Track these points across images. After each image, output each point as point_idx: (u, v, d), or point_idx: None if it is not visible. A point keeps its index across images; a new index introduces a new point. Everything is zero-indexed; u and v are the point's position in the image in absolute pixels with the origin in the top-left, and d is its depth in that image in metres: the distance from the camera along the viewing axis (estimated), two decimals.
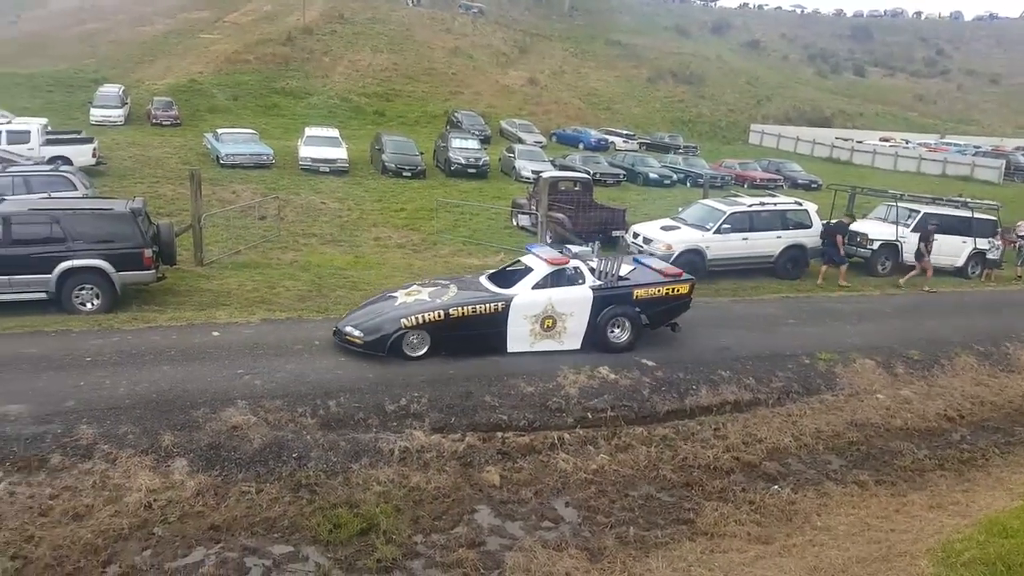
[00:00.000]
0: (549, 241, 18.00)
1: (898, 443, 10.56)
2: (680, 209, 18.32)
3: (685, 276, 12.00)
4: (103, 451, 8.03)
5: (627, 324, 11.39)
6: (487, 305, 10.67)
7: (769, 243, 17.00)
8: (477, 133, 36.68)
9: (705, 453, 9.61)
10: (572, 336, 11.15)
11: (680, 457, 9.50)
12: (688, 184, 32.47)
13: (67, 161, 21.67)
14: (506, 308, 10.70)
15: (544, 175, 20.98)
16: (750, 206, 17.21)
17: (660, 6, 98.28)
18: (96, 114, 33.42)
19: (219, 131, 28.99)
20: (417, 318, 10.40)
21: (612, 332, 11.34)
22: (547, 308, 10.93)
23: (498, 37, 64.62)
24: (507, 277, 11.53)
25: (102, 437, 8.18)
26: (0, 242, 11.47)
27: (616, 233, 18.90)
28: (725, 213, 16.67)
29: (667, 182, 32.25)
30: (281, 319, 11.97)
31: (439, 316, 10.44)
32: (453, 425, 9.40)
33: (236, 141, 27.73)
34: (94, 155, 23.64)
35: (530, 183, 25.38)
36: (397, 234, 19.56)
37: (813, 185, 35.00)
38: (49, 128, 25.42)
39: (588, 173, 26.75)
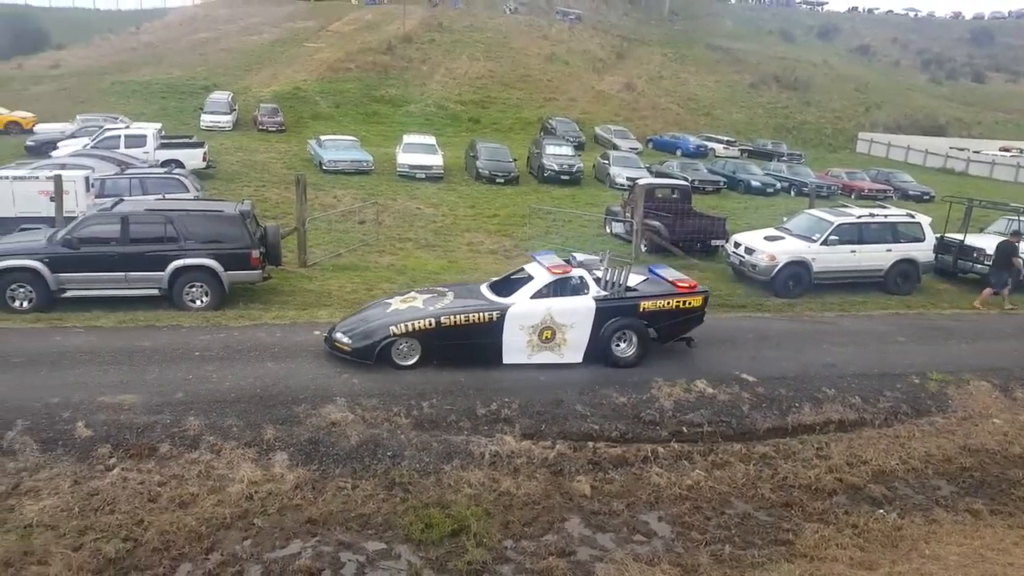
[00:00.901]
0: (644, 249, 17.83)
1: (1016, 471, 9.85)
2: (784, 219, 17.73)
3: (700, 289, 11.36)
4: (209, 442, 8.49)
5: (634, 338, 10.85)
6: (481, 314, 10.34)
7: (879, 256, 16.25)
8: (571, 139, 36.69)
9: (806, 473, 9.25)
10: (573, 349, 10.72)
11: (779, 476, 9.17)
12: (792, 193, 31.42)
13: (179, 164, 23.11)
14: (501, 317, 10.35)
15: (640, 182, 20.76)
16: (859, 217, 16.49)
17: (763, 10, 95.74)
18: (206, 120, 35.43)
19: (322, 138, 30.20)
20: (407, 326, 10.17)
21: (617, 346, 10.83)
22: (545, 318, 10.50)
23: (595, 42, 64.51)
24: (508, 285, 11.18)
25: (208, 429, 8.65)
26: (118, 240, 12.33)
27: (716, 243, 18.49)
28: (833, 224, 16.04)
29: (770, 191, 31.32)
30: None
31: (430, 324, 10.19)
32: (543, 432, 9.42)
33: (338, 148, 28.81)
34: (204, 159, 25.09)
35: (625, 190, 25.19)
36: (489, 240, 19.79)
37: (925, 197, 33.25)
38: (163, 133, 27.12)
39: (686, 180, 26.30)
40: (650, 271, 11.97)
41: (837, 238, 15.84)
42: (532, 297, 10.61)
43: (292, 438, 8.66)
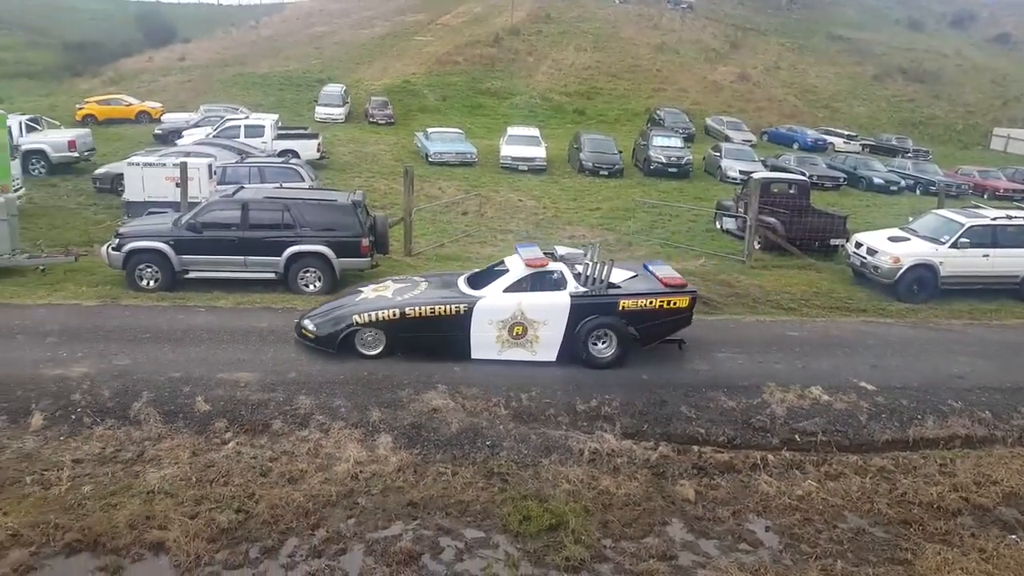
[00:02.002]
0: (758, 247, 17.24)
1: None
2: (910, 219, 16.71)
3: (688, 289, 10.68)
4: (318, 421, 8.86)
5: (613, 338, 10.36)
6: (448, 306, 10.14)
7: (1015, 262, 15.03)
8: (680, 131, 35.89)
9: (928, 490, 8.69)
10: (546, 346, 10.33)
11: (898, 492, 8.66)
12: (918, 192, 29.66)
13: (295, 154, 24.14)
14: (469, 311, 10.11)
15: (755, 175, 20.11)
16: (994, 219, 15.32)
17: None
18: (320, 112, 36.87)
19: (429, 130, 30.89)
20: (370, 315, 10.12)
21: (594, 345, 10.37)
22: (516, 314, 10.17)
23: (707, 32, 62.84)
24: (484, 278, 10.92)
25: (318, 408, 9.04)
26: (239, 226, 13.01)
27: (835, 242, 17.66)
28: (963, 226, 14.98)
29: (893, 188, 29.68)
30: None
31: (394, 315, 10.09)
32: (646, 433, 9.29)
33: (444, 140, 29.39)
34: (318, 150, 26.11)
35: (737, 184, 24.45)
36: (592, 233, 19.65)
37: None
38: (280, 124, 28.40)
39: (804, 175, 25.25)
40: (644, 267, 11.45)
41: (968, 241, 14.79)
42: (505, 291, 10.33)
43: (395, 421, 8.91)
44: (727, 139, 36.72)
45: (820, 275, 15.99)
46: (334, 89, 39.58)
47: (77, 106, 35.91)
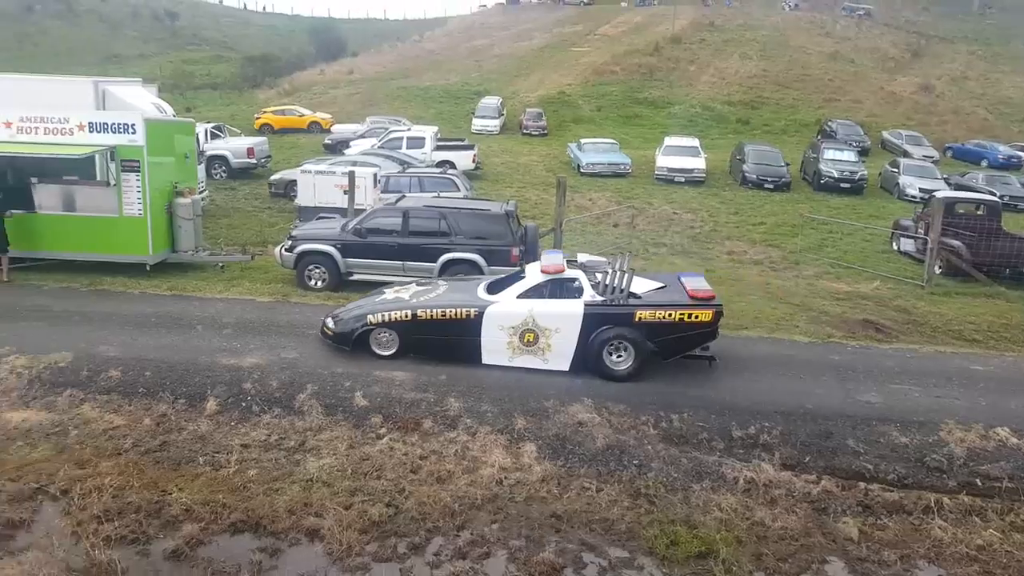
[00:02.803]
0: (939, 271, 15.99)
1: None
2: None
3: (713, 302, 10.10)
4: (466, 424, 9.14)
5: (630, 349, 10.00)
6: (458, 310, 10.20)
7: None
8: (854, 144, 33.88)
9: None
10: (559, 356, 10.17)
11: None
12: None
13: (452, 165, 25.10)
14: (479, 316, 10.13)
15: (939, 194, 18.60)
16: None
17: None
18: (477, 123, 38.13)
19: (582, 141, 31.08)
20: (384, 316, 10.36)
21: (610, 356, 10.07)
22: (527, 320, 10.08)
23: (886, 40, 59.02)
24: (503, 283, 10.82)
25: (466, 411, 9.32)
26: (399, 232, 13.71)
27: None
28: None
29: None
30: None
31: (406, 316, 10.30)
32: (807, 465, 8.82)
33: (597, 150, 29.48)
34: (473, 160, 27.02)
35: (917, 203, 22.77)
36: (753, 250, 18.97)
37: None
38: (439, 135, 29.62)
39: (994, 195, 23.08)
40: (677, 278, 11.00)
41: None
42: (519, 297, 10.30)
43: (541, 431, 9.02)
44: (906, 154, 34.22)
45: (1011, 305, 14.53)
46: (490, 101, 40.79)
47: (255, 115, 39.26)
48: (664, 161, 28.02)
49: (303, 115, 39.47)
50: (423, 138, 27.26)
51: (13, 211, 13.59)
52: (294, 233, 14.45)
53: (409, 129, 30.03)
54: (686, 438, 9.14)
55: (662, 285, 10.82)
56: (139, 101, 16.34)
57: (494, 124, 38.24)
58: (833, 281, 16.50)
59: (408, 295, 10.96)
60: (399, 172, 20.52)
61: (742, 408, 9.61)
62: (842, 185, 26.82)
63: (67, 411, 9.25)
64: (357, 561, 7.01)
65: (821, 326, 13.01)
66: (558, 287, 10.45)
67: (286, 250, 14.04)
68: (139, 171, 13.78)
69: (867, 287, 15.43)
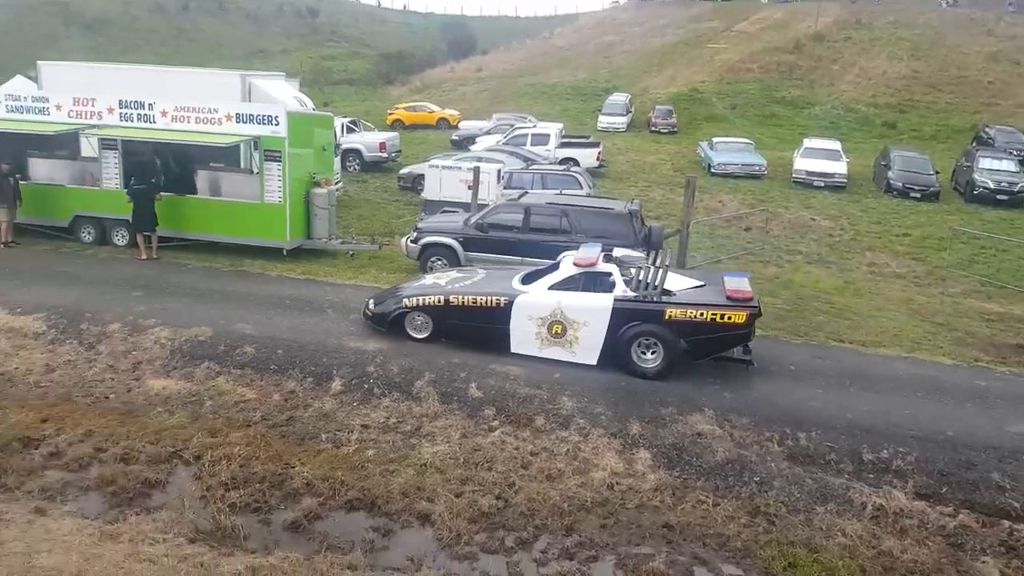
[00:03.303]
0: None
1: None
2: None
3: (750, 304, 9.76)
4: (579, 424, 9.12)
5: (659, 347, 9.82)
6: (489, 298, 10.42)
7: None
8: (1014, 153, 31.23)
9: None
10: (587, 349, 10.18)
11: None
12: None
13: (575, 162, 25.08)
14: (508, 305, 10.30)
15: None
16: None
17: None
18: (603, 121, 37.87)
19: (714, 140, 30.28)
20: (419, 300, 10.76)
21: (640, 353, 10.01)
22: (555, 312, 10.19)
23: None
24: (537, 275, 10.88)
25: (580, 412, 9.30)
26: (520, 228, 13.85)
27: None
28: None
29: None
30: (758, 335, 11.92)
31: (438, 301, 10.64)
32: (944, 496, 8.24)
33: (730, 150, 28.63)
34: (598, 158, 26.89)
35: None
36: (896, 262, 17.89)
37: None
38: (564, 132, 29.64)
39: None
40: (720, 278, 10.69)
41: None
42: (550, 288, 10.39)
43: (656, 439, 8.87)
44: None
45: None
46: (618, 98, 40.41)
47: (388, 111, 40.66)
48: (802, 164, 26.86)
49: (432, 111, 40.53)
50: (547, 135, 27.37)
51: (163, 193, 14.70)
52: (419, 226, 14.88)
53: (534, 126, 30.24)
54: (812, 458, 8.75)
55: (701, 284, 10.71)
56: (282, 94, 17.30)
57: (621, 121, 37.86)
58: (983, 300, 15.34)
59: (445, 281, 11.32)
60: (522, 168, 20.69)
61: (874, 430, 9.11)
62: (998, 197, 24.76)
63: (203, 382, 9.94)
64: (465, 550, 7.15)
65: (967, 348, 12.13)
66: (591, 280, 10.45)
67: (411, 241, 14.50)
68: (280, 161, 14.60)
69: (1021, 309, 14.20)
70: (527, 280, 10.86)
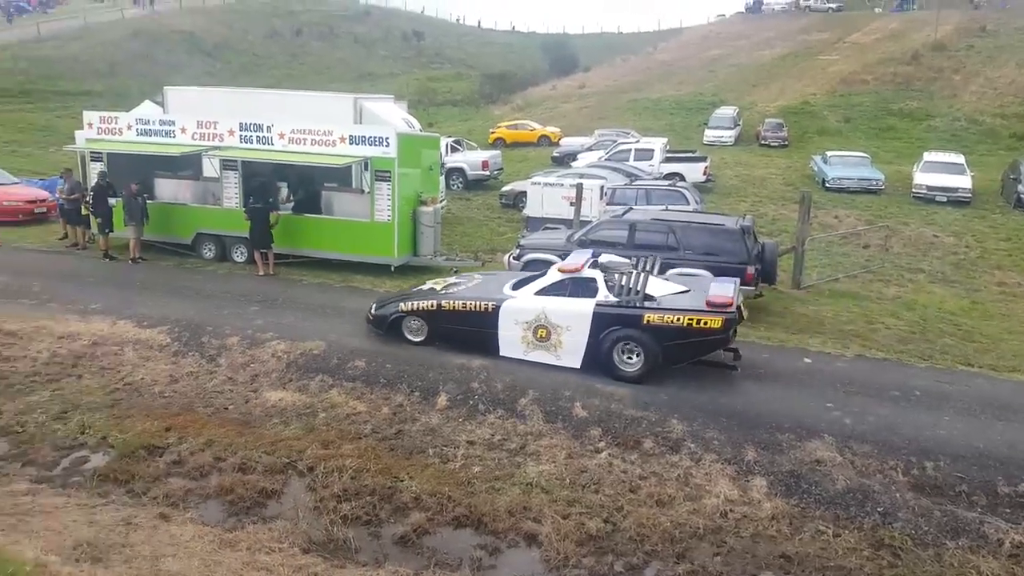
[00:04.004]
0: None
1: None
2: None
3: (727, 310, 9.76)
4: (689, 449, 8.87)
5: (639, 351, 10.00)
6: (478, 303, 10.87)
7: None
8: None
9: None
10: (570, 352, 10.48)
11: None
12: None
13: (681, 177, 24.68)
14: (496, 310, 10.69)
15: None
16: None
17: None
18: (709, 135, 37.18)
19: (828, 154, 29.21)
20: (414, 305, 11.28)
21: (620, 357, 10.23)
22: (539, 316, 10.55)
23: None
24: (527, 281, 11.27)
25: (690, 435, 9.05)
26: (625, 245, 13.65)
27: None
28: None
29: None
30: (878, 358, 11.42)
31: (431, 306, 11.13)
32: None
33: (845, 164, 27.56)
34: (704, 173, 26.37)
35: None
36: None
37: None
38: (668, 147, 29.25)
39: None
40: (708, 283, 10.82)
41: None
42: (536, 294, 10.73)
43: (772, 466, 8.53)
44: None
45: None
46: (725, 112, 39.61)
47: (490, 130, 41.28)
48: (923, 178, 25.50)
49: (534, 129, 40.86)
50: (652, 150, 27.10)
51: (279, 212, 15.38)
52: (522, 242, 14.97)
53: (637, 141, 30.00)
54: (941, 489, 8.19)
55: (685, 289, 10.82)
56: (391, 116, 17.87)
57: (729, 135, 37.08)
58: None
59: (441, 287, 11.80)
60: (626, 184, 20.53)
61: (1010, 461, 8.47)
62: None
63: (317, 394, 10.27)
64: (573, 573, 7.06)
65: None
66: (576, 286, 10.69)
67: (514, 258, 14.59)
68: (390, 180, 15.03)
69: None
70: (518, 286, 11.23)
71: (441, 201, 20.10)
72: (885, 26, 58.71)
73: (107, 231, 16.11)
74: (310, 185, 16.13)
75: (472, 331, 10.97)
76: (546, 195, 19.12)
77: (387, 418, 9.72)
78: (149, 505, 8.06)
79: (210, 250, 16.27)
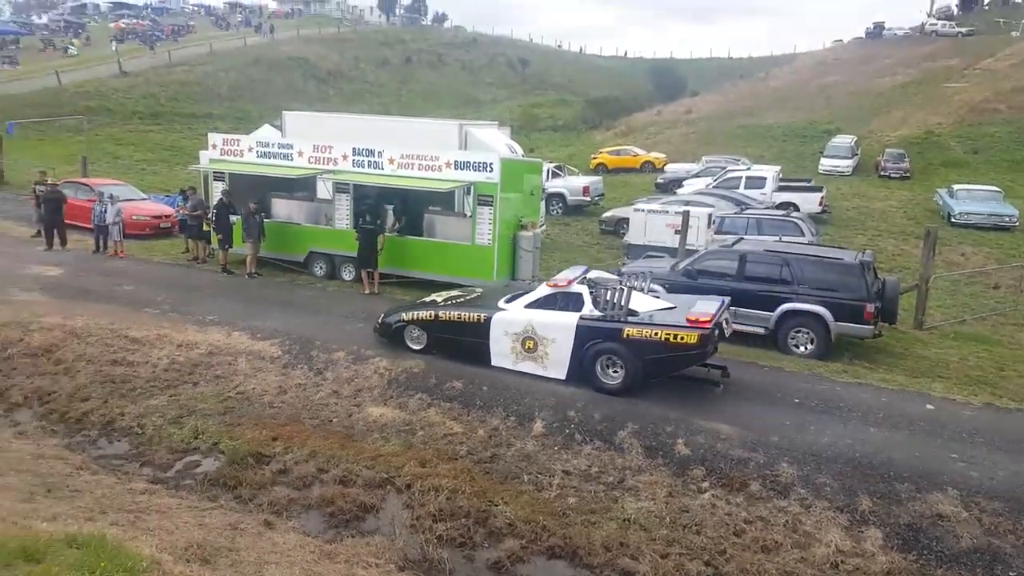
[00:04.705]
0: None
1: None
2: None
3: (703, 327, 10.05)
4: (799, 494, 8.52)
5: (621, 365, 10.53)
6: (471, 315, 11.62)
7: None
8: None
9: None
10: (556, 364, 11.03)
11: None
12: None
13: (795, 207, 23.96)
14: (487, 321, 11.38)
15: None
16: None
17: None
18: (825, 164, 36.01)
19: (954, 187, 27.77)
20: (415, 315, 12.12)
21: (602, 369, 10.72)
22: (527, 328, 11.14)
23: None
24: (519, 295, 11.83)
25: (801, 480, 8.70)
26: (734, 276, 13.37)
27: None
28: None
29: None
30: (1009, 408, 10.68)
31: (430, 316, 11.96)
32: None
33: (974, 199, 26.15)
34: (820, 203, 25.54)
35: None
36: None
37: None
38: (781, 176, 28.49)
39: None
40: (693, 301, 11.15)
41: None
42: (526, 307, 11.32)
43: (889, 517, 8.08)
44: None
45: None
46: (842, 141, 38.31)
47: (591, 156, 41.35)
48: None
49: (637, 155, 40.67)
50: (764, 178, 26.47)
51: (385, 235, 15.86)
52: (623, 270, 14.85)
53: (748, 168, 29.37)
54: None
55: (670, 306, 11.18)
56: (494, 142, 18.19)
57: (846, 165, 35.81)
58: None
59: (442, 299, 12.64)
60: (735, 213, 20.09)
61: None
62: None
63: (416, 412, 10.48)
64: None
65: None
66: (565, 300, 11.15)
67: None
68: (492, 205, 15.29)
69: None
70: (510, 300, 11.78)
71: (541, 226, 20.25)
72: (1021, 51, 55.51)
73: (227, 247, 17.07)
74: (415, 208, 16.58)
75: (466, 341, 11.67)
76: (649, 222, 18.93)
77: (483, 441, 9.81)
78: (255, 511, 8.41)
79: (321, 268, 16.94)
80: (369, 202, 16.05)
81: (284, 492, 8.86)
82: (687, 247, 16.36)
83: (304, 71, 57.39)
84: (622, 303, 10.69)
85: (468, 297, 12.68)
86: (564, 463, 9.33)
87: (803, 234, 18.27)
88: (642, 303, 11.08)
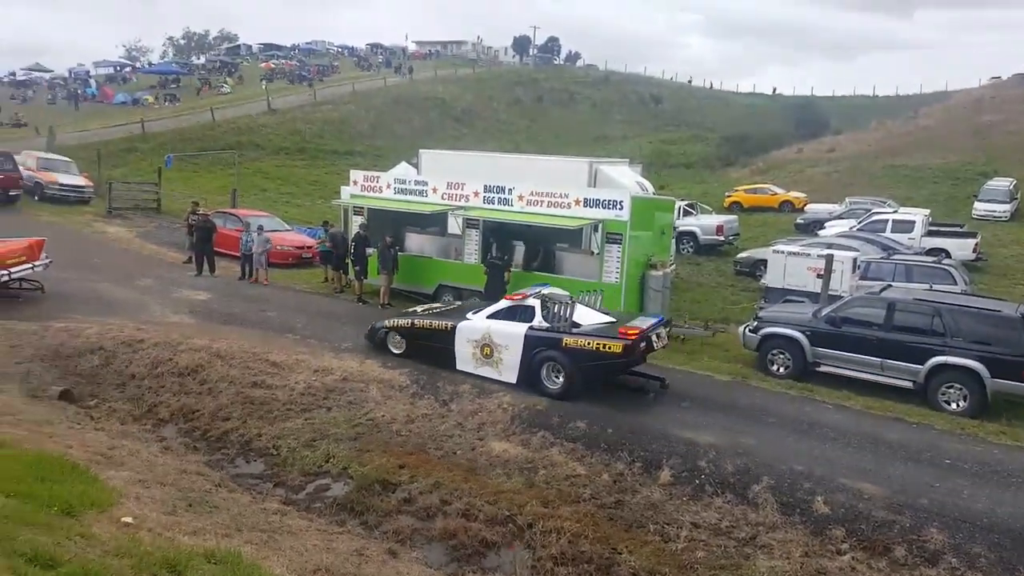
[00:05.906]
0: None
1: None
2: None
3: (629, 338, 11.22)
4: (950, 564, 7.90)
5: (561, 371, 11.70)
6: (441, 323, 13.10)
7: None
8: None
9: None
10: (509, 369, 12.22)
11: None
12: None
13: (946, 254, 22.50)
14: (453, 329, 12.77)
15: None
16: None
17: None
18: (980, 208, 33.72)
19: None
20: (396, 322, 13.66)
21: (547, 375, 11.90)
22: (485, 336, 12.45)
23: None
24: (486, 306, 13.14)
25: (951, 549, 8.06)
26: (881, 326, 12.67)
27: None
28: None
29: None
30: None
31: (408, 324, 13.45)
32: None
33: None
34: (974, 250, 23.86)
35: None
36: None
37: None
38: (931, 219, 26.85)
39: None
40: (640, 318, 12.53)
41: None
42: (488, 317, 12.63)
43: None
44: None
45: None
46: (999, 184, 35.74)
47: (726, 193, 40.44)
48: None
49: (775, 194, 39.44)
50: (912, 222, 25.00)
51: (513, 269, 16.10)
52: (761, 314, 14.39)
53: (895, 211, 27.89)
54: None
55: (612, 321, 12.38)
56: (625, 179, 18.19)
57: (1003, 209, 33.35)
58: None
59: (421, 309, 14.36)
60: (882, 258, 19.06)
61: None
62: None
63: (539, 451, 10.46)
64: None
65: None
66: (521, 312, 12.39)
67: (751, 330, 14.03)
68: (621, 243, 15.24)
69: None
70: (477, 311, 13.03)
71: (671, 265, 19.98)
72: None
73: (363, 278, 17.84)
74: (543, 244, 16.75)
75: (436, 347, 12.99)
76: (789, 264, 18.25)
77: (607, 485, 9.65)
78: (380, 539, 8.61)
79: (449, 300, 17.39)
80: (498, 237, 16.36)
81: (408, 521, 9.02)
82: (830, 292, 15.68)
83: (440, 110, 59.59)
84: (567, 316, 11.96)
85: (444, 309, 14.39)
86: (693, 515, 9.03)
87: (956, 282, 17.09)
88: (587, 317, 12.33)
